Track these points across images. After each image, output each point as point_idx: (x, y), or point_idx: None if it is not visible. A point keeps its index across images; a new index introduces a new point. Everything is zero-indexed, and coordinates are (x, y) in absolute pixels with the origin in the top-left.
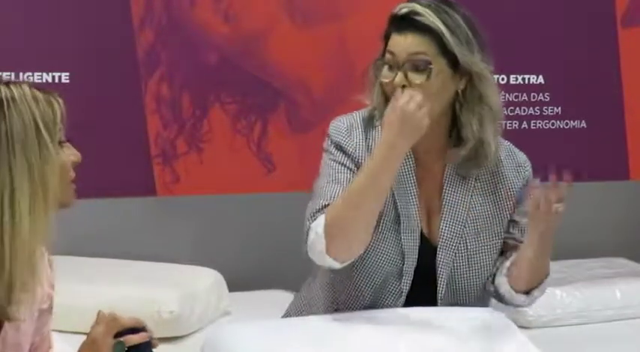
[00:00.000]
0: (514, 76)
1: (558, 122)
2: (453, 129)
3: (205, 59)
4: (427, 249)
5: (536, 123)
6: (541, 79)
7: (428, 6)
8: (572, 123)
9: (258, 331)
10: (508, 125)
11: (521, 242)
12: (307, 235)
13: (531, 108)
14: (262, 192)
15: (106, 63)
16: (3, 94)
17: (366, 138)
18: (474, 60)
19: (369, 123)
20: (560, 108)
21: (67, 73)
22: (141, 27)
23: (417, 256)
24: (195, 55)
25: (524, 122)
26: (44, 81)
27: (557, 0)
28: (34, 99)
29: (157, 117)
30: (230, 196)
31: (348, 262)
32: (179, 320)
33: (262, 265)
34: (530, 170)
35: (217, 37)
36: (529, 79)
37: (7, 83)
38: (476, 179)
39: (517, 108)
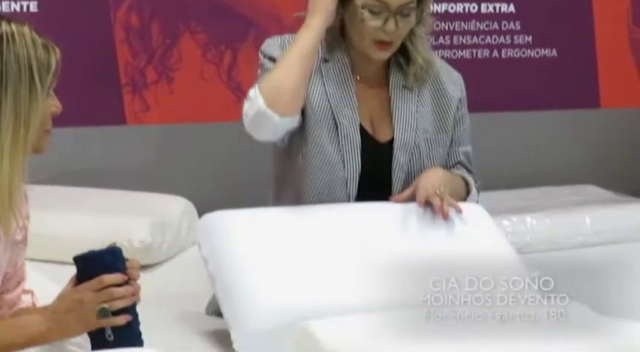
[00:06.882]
0: (485, 4)
1: (529, 51)
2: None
3: None
4: (378, 155)
5: (507, 51)
6: (512, 8)
7: None
8: (543, 52)
9: (251, 217)
10: (479, 54)
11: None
12: (244, 110)
13: (502, 37)
14: (232, 120)
15: None
16: (3, 30)
17: None
18: None
19: None
20: (531, 37)
21: (35, 2)
22: None
23: (359, 163)
24: None
25: (495, 51)
26: (12, 10)
27: None
28: (32, 42)
29: (126, 47)
30: (200, 125)
31: (289, 118)
32: (150, 249)
33: (232, 193)
34: (464, 88)
35: None
36: (500, 7)
37: (9, 20)
38: (419, 91)
39: (488, 37)
